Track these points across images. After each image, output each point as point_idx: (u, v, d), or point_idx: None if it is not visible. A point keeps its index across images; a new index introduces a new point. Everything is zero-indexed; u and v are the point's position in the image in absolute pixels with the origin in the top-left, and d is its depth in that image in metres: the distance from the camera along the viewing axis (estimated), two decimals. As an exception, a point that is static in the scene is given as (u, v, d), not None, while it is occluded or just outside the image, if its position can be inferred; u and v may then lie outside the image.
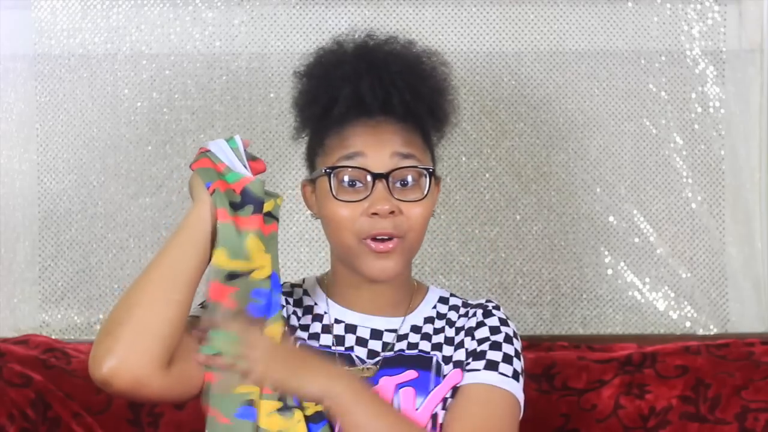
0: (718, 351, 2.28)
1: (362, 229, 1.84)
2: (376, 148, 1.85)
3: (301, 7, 2.48)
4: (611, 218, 2.50)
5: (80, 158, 2.47)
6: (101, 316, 2.47)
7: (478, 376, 1.86)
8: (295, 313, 1.94)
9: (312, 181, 1.92)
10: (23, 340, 2.28)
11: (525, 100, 2.49)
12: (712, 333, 2.48)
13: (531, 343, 2.35)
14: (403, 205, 1.85)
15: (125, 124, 2.47)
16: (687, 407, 2.22)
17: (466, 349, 1.90)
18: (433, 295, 1.97)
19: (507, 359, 1.87)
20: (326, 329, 1.92)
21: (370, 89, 1.85)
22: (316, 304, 1.95)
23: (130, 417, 2.20)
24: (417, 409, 1.85)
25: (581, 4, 2.49)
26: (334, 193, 1.85)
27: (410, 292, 1.96)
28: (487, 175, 2.50)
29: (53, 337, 2.38)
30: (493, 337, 1.89)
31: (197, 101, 2.47)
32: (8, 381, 2.15)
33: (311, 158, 1.94)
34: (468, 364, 1.88)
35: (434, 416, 1.85)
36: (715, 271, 2.51)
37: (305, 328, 1.93)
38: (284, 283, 1.99)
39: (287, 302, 1.94)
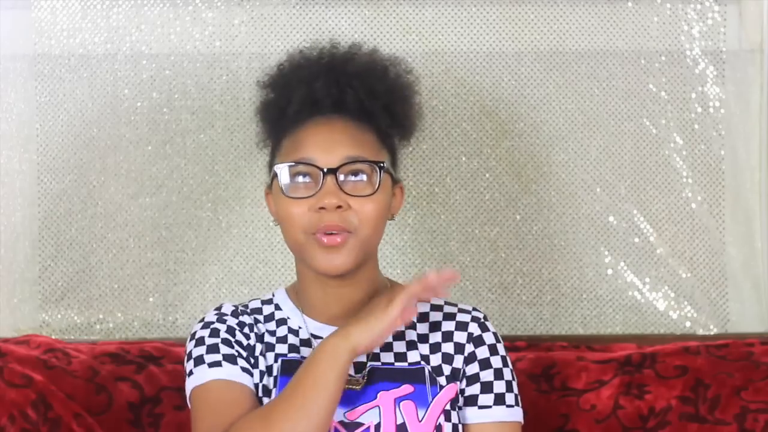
0: (718, 351, 2.28)
1: (311, 223, 1.85)
2: (326, 148, 1.86)
3: (301, 7, 2.48)
4: (611, 218, 2.50)
5: (80, 158, 2.47)
6: (101, 316, 2.47)
7: (491, 414, 1.90)
8: (269, 331, 1.94)
9: (269, 187, 1.93)
10: (24, 341, 2.28)
11: (525, 100, 2.49)
12: (712, 333, 2.48)
13: (531, 343, 2.35)
14: (353, 200, 1.85)
15: (125, 124, 2.47)
16: (686, 408, 2.22)
17: (464, 372, 1.91)
18: None
19: (509, 387, 1.92)
20: (305, 344, 1.92)
21: (323, 87, 1.87)
22: (289, 318, 1.95)
23: (130, 417, 2.20)
24: (420, 421, 1.85)
25: (581, 4, 2.49)
26: (284, 190, 1.86)
27: (380, 292, 1.94)
28: (487, 175, 2.50)
29: (53, 337, 2.38)
30: (493, 361, 1.92)
31: (197, 101, 2.48)
32: (9, 381, 2.14)
33: (271, 163, 1.95)
34: (476, 397, 1.90)
35: (438, 427, 1.86)
36: (715, 271, 2.51)
37: (283, 339, 1.93)
38: (253, 299, 2.00)
39: (257, 321, 1.94)
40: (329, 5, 2.48)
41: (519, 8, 2.49)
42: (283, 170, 1.87)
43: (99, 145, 2.47)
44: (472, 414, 1.90)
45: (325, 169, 1.85)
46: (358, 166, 1.86)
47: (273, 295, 1.99)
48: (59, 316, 2.47)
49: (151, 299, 2.48)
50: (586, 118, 2.50)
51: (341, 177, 1.85)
